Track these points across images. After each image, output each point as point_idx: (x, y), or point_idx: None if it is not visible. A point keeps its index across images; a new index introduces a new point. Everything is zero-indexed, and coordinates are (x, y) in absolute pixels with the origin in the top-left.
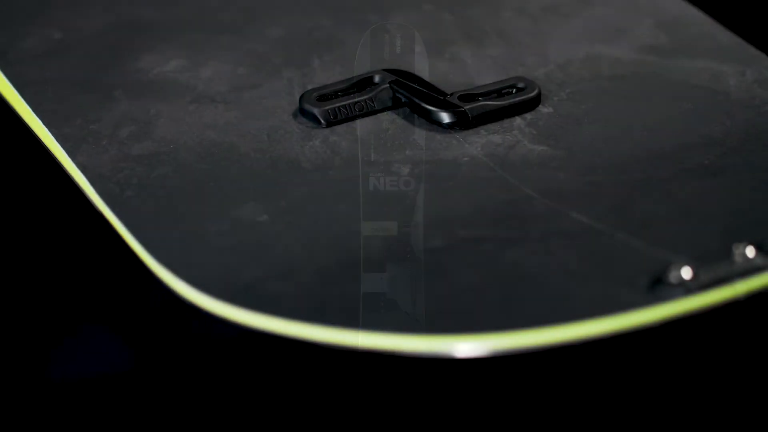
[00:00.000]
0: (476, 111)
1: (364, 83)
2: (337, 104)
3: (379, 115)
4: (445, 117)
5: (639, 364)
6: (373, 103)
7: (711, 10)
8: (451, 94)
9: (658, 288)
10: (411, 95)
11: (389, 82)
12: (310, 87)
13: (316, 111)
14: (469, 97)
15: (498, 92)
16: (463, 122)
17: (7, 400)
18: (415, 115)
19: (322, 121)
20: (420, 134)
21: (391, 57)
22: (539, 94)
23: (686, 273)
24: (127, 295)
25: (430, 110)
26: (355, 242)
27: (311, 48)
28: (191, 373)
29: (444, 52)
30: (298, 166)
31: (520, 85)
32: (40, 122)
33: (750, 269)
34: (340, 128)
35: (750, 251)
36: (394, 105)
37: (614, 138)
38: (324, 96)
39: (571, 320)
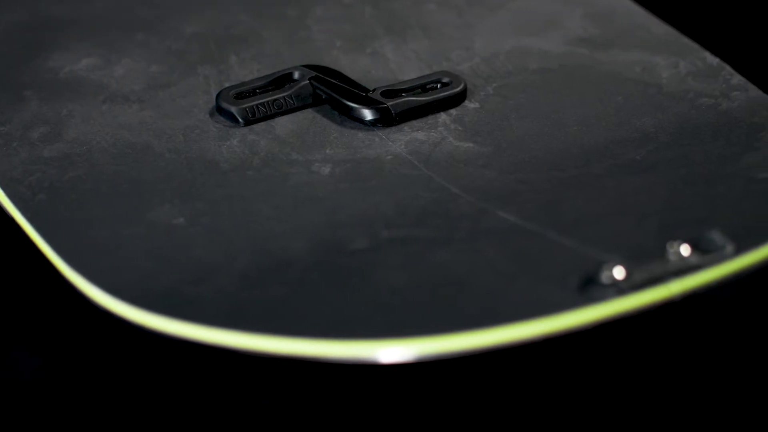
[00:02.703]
0: (400, 107)
1: (283, 80)
2: (256, 102)
3: (299, 112)
4: (368, 114)
5: (569, 368)
6: (292, 100)
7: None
8: (374, 90)
9: (590, 288)
10: (332, 92)
11: (309, 79)
12: (227, 84)
13: (233, 109)
14: (392, 93)
15: (422, 87)
16: (386, 119)
17: None
18: (337, 113)
19: (240, 120)
20: (341, 132)
21: (310, 52)
22: (465, 89)
23: (619, 273)
24: (40, 301)
25: (351, 107)
26: (275, 244)
27: (228, 44)
28: (105, 381)
29: (366, 46)
30: (215, 167)
31: (445, 80)
32: None
33: (685, 268)
34: (258, 127)
35: (685, 249)
36: (315, 102)
37: (543, 133)
38: (242, 94)
39: (500, 323)
